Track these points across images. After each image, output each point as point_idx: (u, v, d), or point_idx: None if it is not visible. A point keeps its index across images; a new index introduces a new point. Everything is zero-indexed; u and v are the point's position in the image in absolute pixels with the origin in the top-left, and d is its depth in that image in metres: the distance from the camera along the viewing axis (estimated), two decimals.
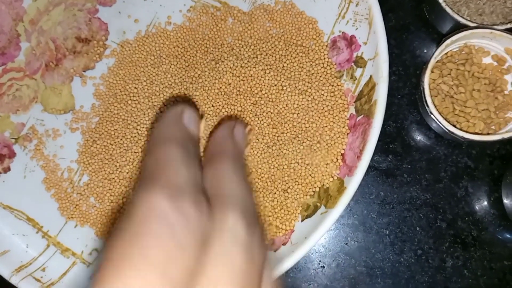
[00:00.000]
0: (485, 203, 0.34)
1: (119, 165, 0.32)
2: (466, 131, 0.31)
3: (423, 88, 0.31)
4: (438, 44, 0.31)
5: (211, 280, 0.13)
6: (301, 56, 0.32)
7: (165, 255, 0.12)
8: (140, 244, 0.12)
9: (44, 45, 0.35)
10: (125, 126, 0.33)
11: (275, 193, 0.31)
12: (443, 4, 0.32)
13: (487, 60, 0.33)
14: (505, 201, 0.33)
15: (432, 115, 0.30)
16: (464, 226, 0.33)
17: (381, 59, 0.30)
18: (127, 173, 0.32)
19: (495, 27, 0.31)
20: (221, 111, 0.32)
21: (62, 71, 0.34)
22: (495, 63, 0.33)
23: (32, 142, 0.34)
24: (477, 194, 0.34)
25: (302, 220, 0.30)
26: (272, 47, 0.33)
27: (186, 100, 0.33)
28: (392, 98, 0.35)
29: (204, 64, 0.33)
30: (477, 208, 0.34)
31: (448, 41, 0.31)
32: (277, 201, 0.31)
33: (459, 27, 0.32)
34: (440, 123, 0.30)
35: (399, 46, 0.36)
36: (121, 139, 0.33)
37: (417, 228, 0.33)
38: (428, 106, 0.31)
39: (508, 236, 0.33)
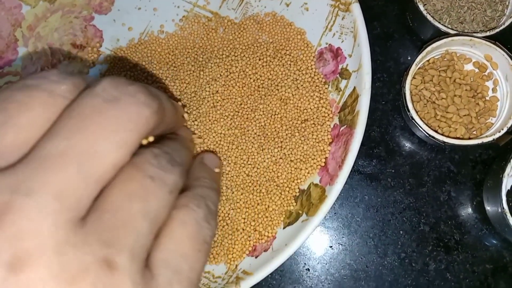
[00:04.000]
0: (468, 207, 0.34)
1: None
2: (447, 136, 0.32)
3: (405, 94, 0.32)
4: (419, 51, 0.32)
5: None
6: (289, 64, 0.33)
7: None
8: None
9: (41, 50, 0.36)
10: None
11: (257, 202, 0.31)
12: (424, 13, 0.33)
13: (468, 66, 0.34)
14: (486, 205, 0.33)
15: (413, 120, 0.31)
16: (447, 230, 0.34)
17: (364, 71, 0.30)
18: None
19: (475, 34, 0.32)
20: (207, 116, 0.33)
21: None
22: (476, 70, 0.34)
23: None
24: (460, 199, 0.34)
25: (284, 227, 0.31)
26: (260, 54, 0.34)
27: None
28: (377, 104, 0.36)
29: (192, 70, 0.34)
30: (459, 212, 0.34)
31: (428, 48, 0.32)
32: (260, 208, 0.31)
33: (440, 35, 0.33)
34: (421, 127, 0.31)
35: (383, 53, 0.37)
36: None
37: (401, 232, 0.34)
38: (409, 111, 0.31)
39: (490, 239, 0.33)
